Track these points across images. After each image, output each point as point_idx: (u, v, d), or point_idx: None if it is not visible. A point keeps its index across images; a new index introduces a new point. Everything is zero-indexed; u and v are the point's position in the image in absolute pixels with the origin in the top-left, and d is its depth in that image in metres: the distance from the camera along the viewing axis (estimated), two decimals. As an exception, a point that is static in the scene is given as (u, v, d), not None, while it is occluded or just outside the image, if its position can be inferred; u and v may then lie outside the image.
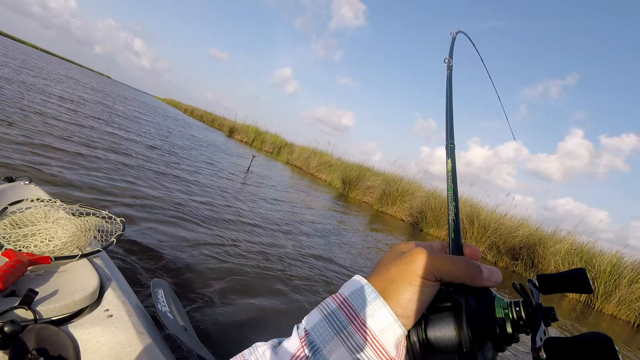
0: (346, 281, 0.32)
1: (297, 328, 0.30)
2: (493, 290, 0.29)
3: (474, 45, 0.68)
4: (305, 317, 0.30)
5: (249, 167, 9.02)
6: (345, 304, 0.29)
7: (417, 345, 0.28)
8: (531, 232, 7.94)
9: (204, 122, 29.10)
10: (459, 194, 0.41)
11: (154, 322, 0.98)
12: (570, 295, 6.97)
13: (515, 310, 0.27)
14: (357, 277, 0.31)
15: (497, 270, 0.30)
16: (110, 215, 1.21)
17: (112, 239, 1.10)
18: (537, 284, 0.28)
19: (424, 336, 0.28)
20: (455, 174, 0.37)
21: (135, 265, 2.14)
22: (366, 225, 7.48)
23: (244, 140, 21.26)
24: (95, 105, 10.07)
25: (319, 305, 0.30)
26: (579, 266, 7.15)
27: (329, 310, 0.29)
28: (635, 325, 6.36)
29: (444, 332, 0.27)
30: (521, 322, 0.26)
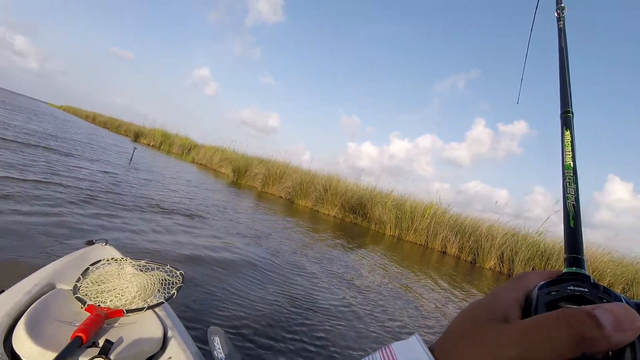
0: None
1: None
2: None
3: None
4: None
5: (131, 159, 9.61)
6: None
7: None
8: (369, 191, 10.55)
9: (108, 129, 27.80)
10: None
11: None
12: (387, 231, 9.61)
13: None
14: (417, 342, 0.23)
15: (628, 309, 0.18)
16: (171, 268, 1.34)
17: (173, 291, 1.20)
18: None
19: None
20: (574, 149, 0.29)
21: (191, 313, 2.29)
22: (253, 201, 9.18)
23: (151, 144, 21.32)
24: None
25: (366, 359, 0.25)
26: (395, 212, 9.89)
27: None
28: (423, 246, 9.21)
29: None
30: None
